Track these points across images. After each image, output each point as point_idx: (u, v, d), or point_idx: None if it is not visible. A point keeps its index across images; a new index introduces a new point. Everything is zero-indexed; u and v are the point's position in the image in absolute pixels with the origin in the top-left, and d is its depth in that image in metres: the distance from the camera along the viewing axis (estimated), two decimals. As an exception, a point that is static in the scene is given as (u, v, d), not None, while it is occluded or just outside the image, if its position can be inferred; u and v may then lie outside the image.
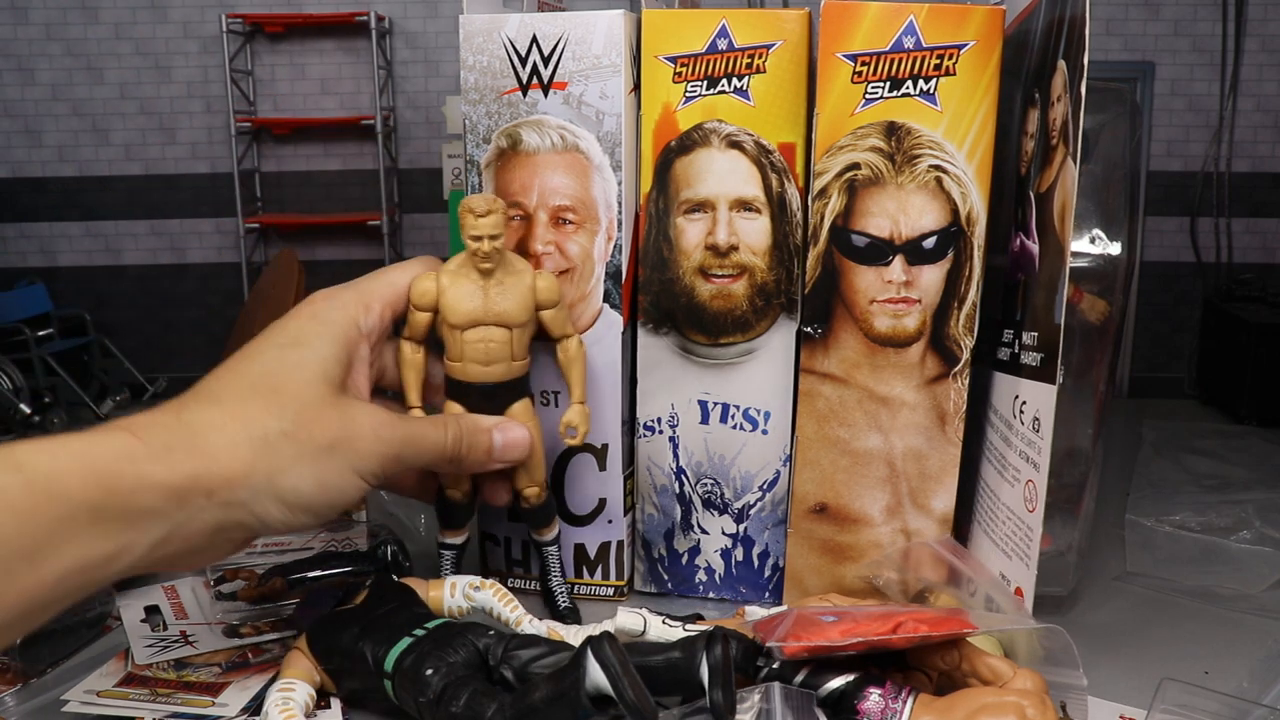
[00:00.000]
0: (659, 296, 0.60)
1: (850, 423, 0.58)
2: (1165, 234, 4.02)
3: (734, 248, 0.58)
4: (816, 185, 0.56)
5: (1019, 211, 0.56)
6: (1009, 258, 0.57)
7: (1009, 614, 0.52)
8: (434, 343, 0.56)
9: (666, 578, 0.64)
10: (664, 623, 0.50)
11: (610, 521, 0.63)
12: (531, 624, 0.52)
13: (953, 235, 0.55)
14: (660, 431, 0.62)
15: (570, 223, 0.59)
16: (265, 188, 4.31)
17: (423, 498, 0.58)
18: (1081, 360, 0.57)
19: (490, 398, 0.55)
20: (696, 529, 0.63)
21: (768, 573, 0.63)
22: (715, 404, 0.61)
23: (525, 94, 0.58)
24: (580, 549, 0.64)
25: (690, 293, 0.59)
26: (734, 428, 0.61)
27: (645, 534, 0.64)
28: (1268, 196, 3.99)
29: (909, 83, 0.54)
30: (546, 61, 0.58)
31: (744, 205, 0.58)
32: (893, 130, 0.55)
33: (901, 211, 0.55)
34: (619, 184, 0.58)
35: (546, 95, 0.58)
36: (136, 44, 4.16)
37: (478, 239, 0.52)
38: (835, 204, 0.56)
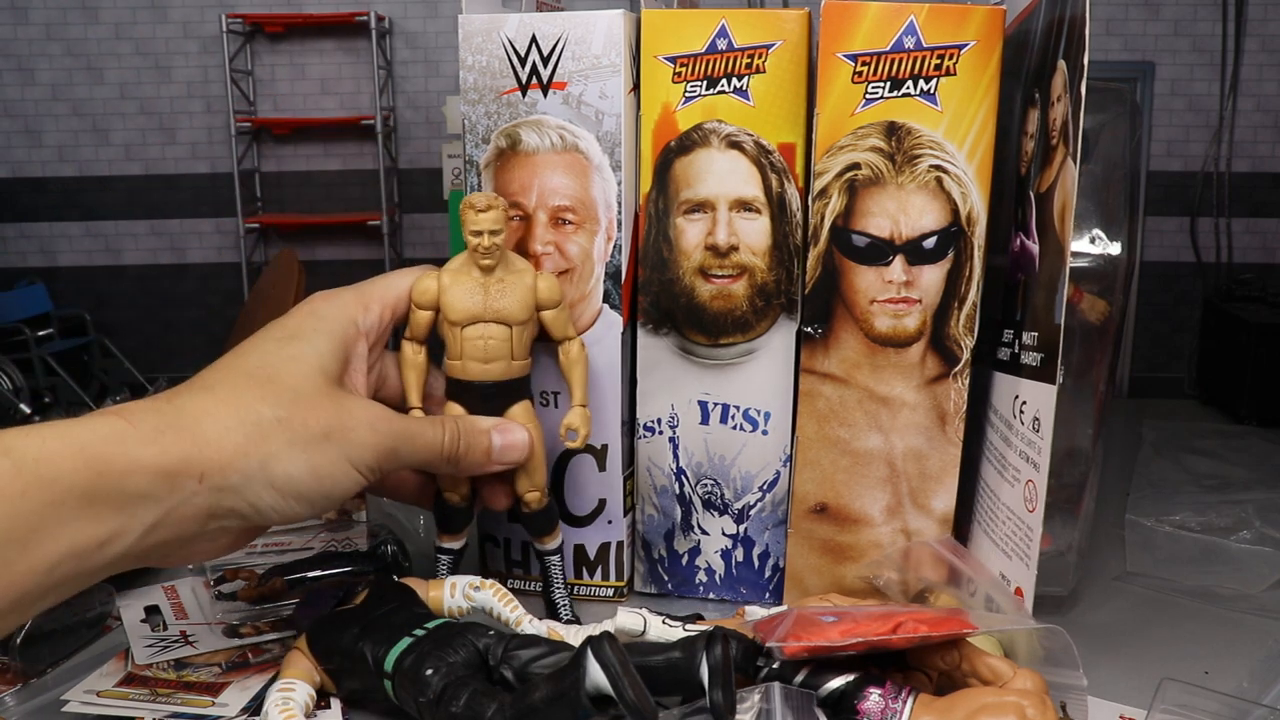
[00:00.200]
0: (659, 297, 0.60)
1: (850, 423, 0.58)
2: (1165, 234, 4.02)
3: (734, 248, 0.58)
4: (817, 185, 0.56)
5: (1019, 211, 0.56)
6: (1009, 258, 0.57)
7: (1009, 614, 0.52)
8: (435, 350, 0.56)
9: (666, 578, 0.64)
10: (664, 623, 0.50)
11: (610, 522, 0.63)
12: (531, 624, 0.52)
13: (953, 235, 0.55)
14: (660, 432, 0.62)
15: (570, 223, 0.59)
16: (265, 188, 4.31)
17: (421, 502, 0.58)
18: (1081, 360, 0.57)
19: (489, 398, 0.55)
20: (697, 529, 0.63)
21: (768, 573, 0.63)
22: (715, 404, 0.61)
23: (524, 94, 0.58)
24: (580, 550, 0.64)
25: (690, 293, 0.59)
26: (734, 428, 0.61)
27: (645, 535, 0.64)
28: (1268, 196, 3.99)
29: (909, 83, 0.54)
30: (546, 61, 0.58)
31: (744, 205, 0.58)
32: (893, 130, 0.55)
33: (902, 211, 0.55)
34: (618, 184, 0.58)
35: (546, 95, 0.58)
36: (136, 44, 4.16)
37: (478, 234, 0.52)
38: (835, 204, 0.56)
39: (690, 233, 0.59)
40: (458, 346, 0.54)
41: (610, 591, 0.64)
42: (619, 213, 0.59)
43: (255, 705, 0.50)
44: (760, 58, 0.56)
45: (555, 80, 0.58)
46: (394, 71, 4.20)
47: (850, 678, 0.45)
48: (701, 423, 0.61)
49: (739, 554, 0.63)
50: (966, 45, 0.53)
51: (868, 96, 0.54)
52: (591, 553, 0.64)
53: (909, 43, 0.54)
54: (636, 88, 0.58)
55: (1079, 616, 0.62)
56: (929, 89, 0.54)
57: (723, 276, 0.59)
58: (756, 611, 0.55)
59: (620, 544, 0.63)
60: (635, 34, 0.58)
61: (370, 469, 0.47)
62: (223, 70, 4.10)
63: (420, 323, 0.55)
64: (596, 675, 0.40)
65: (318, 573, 0.61)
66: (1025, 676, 0.44)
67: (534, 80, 0.58)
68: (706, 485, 0.62)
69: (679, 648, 0.43)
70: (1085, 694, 0.47)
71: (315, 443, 0.45)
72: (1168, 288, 4.04)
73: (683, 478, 0.62)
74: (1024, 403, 0.53)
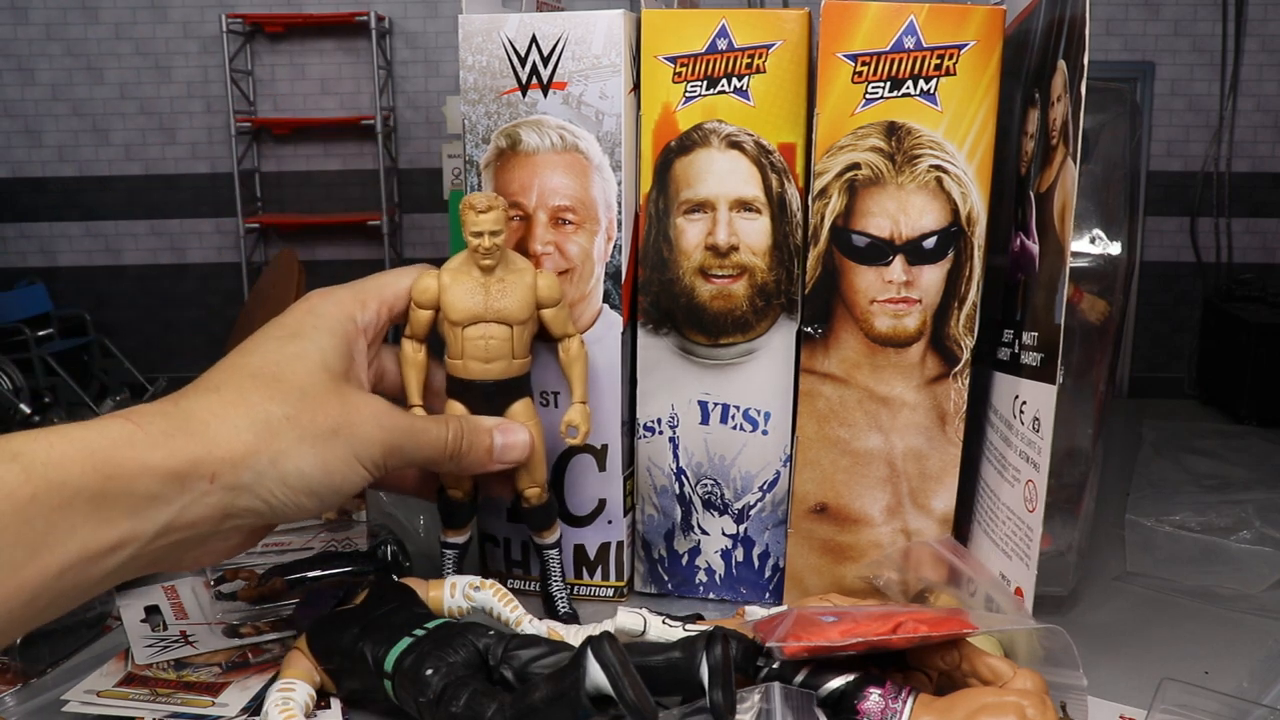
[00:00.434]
0: (659, 297, 0.60)
1: (850, 423, 0.58)
2: (1165, 234, 4.02)
3: (734, 248, 0.58)
4: (817, 185, 0.56)
5: (1019, 211, 0.56)
6: (1009, 258, 0.57)
7: (1009, 614, 0.52)
8: (434, 346, 0.56)
9: (666, 578, 0.64)
10: (664, 623, 0.50)
11: (610, 522, 0.63)
12: (531, 624, 0.52)
13: (953, 235, 0.55)
14: (660, 432, 0.62)
15: (570, 223, 0.59)
16: (265, 188, 4.31)
17: (424, 495, 0.58)
18: (1081, 360, 0.57)
19: (490, 396, 0.55)
20: (697, 529, 0.63)
21: (768, 573, 0.63)
22: (715, 404, 0.61)
23: (524, 94, 0.58)
24: (580, 550, 0.64)
25: (690, 293, 0.59)
26: (734, 428, 0.61)
27: (645, 535, 0.64)
28: (1268, 196, 3.99)
29: (909, 83, 0.54)
30: (546, 61, 0.58)
31: (744, 205, 0.58)
32: (893, 130, 0.55)
33: (902, 211, 0.55)
34: (619, 184, 0.58)
35: (546, 95, 0.58)
36: (136, 44, 4.16)
37: (478, 235, 0.52)
38: (835, 204, 0.56)
39: (690, 233, 0.59)
40: (459, 346, 0.54)
41: (610, 591, 0.64)
42: (619, 213, 0.59)
43: (255, 705, 0.50)
44: (760, 58, 0.56)
45: (555, 80, 0.58)
46: (394, 71, 4.20)
47: (850, 678, 0.45)
48: (701, 423, 0.61)
49: (739, 554, 0.63)
50: (966, 45, 0.53)
51: (868, 96, 0.54)
52: (591, 553, 0.64)
53: (909, 43, 0.54)
54: (637, 88, 0.58)
55: (1079, 616, 0.62)
56: (929, 89, 0.54)
57: (723, 276, 0.59)
58: (756, 611, 0.55)
59: (620, 544, 0.63)
60: (635, 34, 0.58)
61: (377, 465, 0.48)
62: (223, 70, 4.10)
63: (420, 322, 0.55)
64: (596, 675, 0.40)
65: (318, 573, 0.61)
66: (1025, 676, 0.44)
67: (534, 80, 0.58)
68: (706, 485, 0.62)
69: (679, 648, 0.43)
70: (1085, 694, 0.47)
71: (324, 439, 0.45)
72: (1168, 288, 4.04)
73: (683, 478, 0.62)
74: (1024, 403, 0.53)
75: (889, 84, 0.54)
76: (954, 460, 0.58)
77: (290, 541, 0.68)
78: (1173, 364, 4.02)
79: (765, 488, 0.61)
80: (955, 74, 0.54)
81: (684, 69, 0.57)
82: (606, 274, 0.59)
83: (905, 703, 0.43)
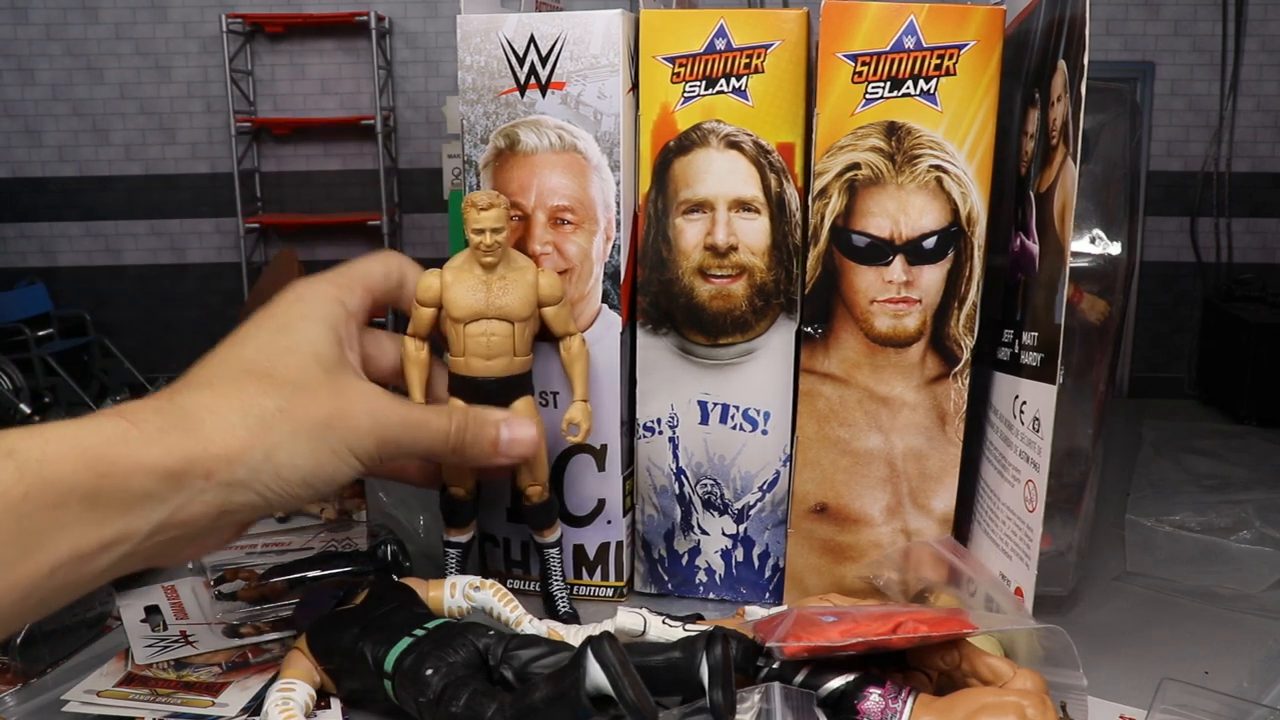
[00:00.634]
0: (658, 297, 0.60)
1: (850, 423, 0.58)
2: (1165, 234, 4.02)
3: (733, 248, 0.58)
4: (817, 185, 0.56)
5: (1019, 211, 0.56)
6: (1009, 258, 0.57)
7: (1009, 614, 0.52)
8: (435, 347, 0.56)
9: (666, 578, 0.64)
10: (664, 623, 0.50)
11: (609, 522, 0.63)
12: (531, 624, 0.52)
13: (953, 235, 0.55)
14: (660, 432, 0.62)
15: (568, 223, 0.59)
16: (265, 188, 4.31)
17: (428, 484, 0.58)
18: (1081, 360, 0.57)
19: (492, 394, 0.55)
20: (696, 530, 0.63)
21: (768, 573, 0.63)
22: (715, 404, 0.61)
23: (523, 94, 0.58)
24: (580, 550, 0.64)
25: (689, 293, 0.59)
26: (734, 428, 0.61)
27: (645, 535, 0.64)
28: (1268, 196, 3.98)
29: (909, 83, 0.54)
30: (544, 61, 0.58)
31: (743, 205, 0.58)
32: (893, 130, 0.55)
33: (902, 211, 0.55)
34: (617, 184, 0.58)
35: (544, 95, 0.58)
36: (136, 44, 4.16)
37: (480, 232, 0.53)
38: (835, 204, 0.56)
39: (689, 233, 0.59)
40: (460, 343, 0.54)
41: (610, 591, 0.64)
42: (618, 213, 0.59)
43: (255, 705, 0.50)
44: (759, 58, 0.56)
45: (554, 80, 0.58)
46: (394, 71, 4.20)
47: (850, 678, 0.45)
48: (701, 423, 0.61)
49: (739, 554, 0.63)
50: (966, 45, 0.53)
51: (868, 96, 0.54)
52: (591, 553, 0.64)
53: (909, 43, 0.54)
54: (635, 88, 0.58)
55: (1079, 616, 0.62)
56: (929, 89, 0.54)
57: (722, 276, 0.59)
58: (756, 611, 0.55)
59: (620, 544, 0.63)
60: (634, 34, 0.58)
61: (371, 457, 0.47)
62: (223, 70, 4.09)
63: (423, 320, 0.55)
64: (596, 675, 0.40)
65: (318, 573, 0.61)
66: (1025, 676, 0.44)
67: (532, 80, 0.58)
68: (706, 485, 0.62)
69: (679, 648, 0.43)
70: (1085, 694, 0.47)
71: (317, 431, 0.45)
72: (1168, 288, 4.04)
73: (682, 478, 0.62)
74: (1024, 403, 0.53)
75: (889, 84, 0.54)
76: (954, 460, 0.58)
77: (290, 541, 0.68)
78: (1173, 364, 4.02)
79: (765, 488, 0.61)
80: (955, 74, 0.54)
81: (682, 69, 0.57)
82: (605, 274, 0.59)
83: (905, 703, 0.43)
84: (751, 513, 0.62)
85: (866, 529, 0.59)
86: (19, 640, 0.53)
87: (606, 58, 0.57)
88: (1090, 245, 0.56)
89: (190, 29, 4.15)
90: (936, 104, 0.54)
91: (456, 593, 0.53)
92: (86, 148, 4.23)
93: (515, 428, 0.54)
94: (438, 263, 0.55)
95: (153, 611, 0.59)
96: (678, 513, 0.63)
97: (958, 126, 0.54)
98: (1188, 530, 0.72)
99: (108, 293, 4.30)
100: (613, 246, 0.59)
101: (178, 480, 0.40)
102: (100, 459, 0.38)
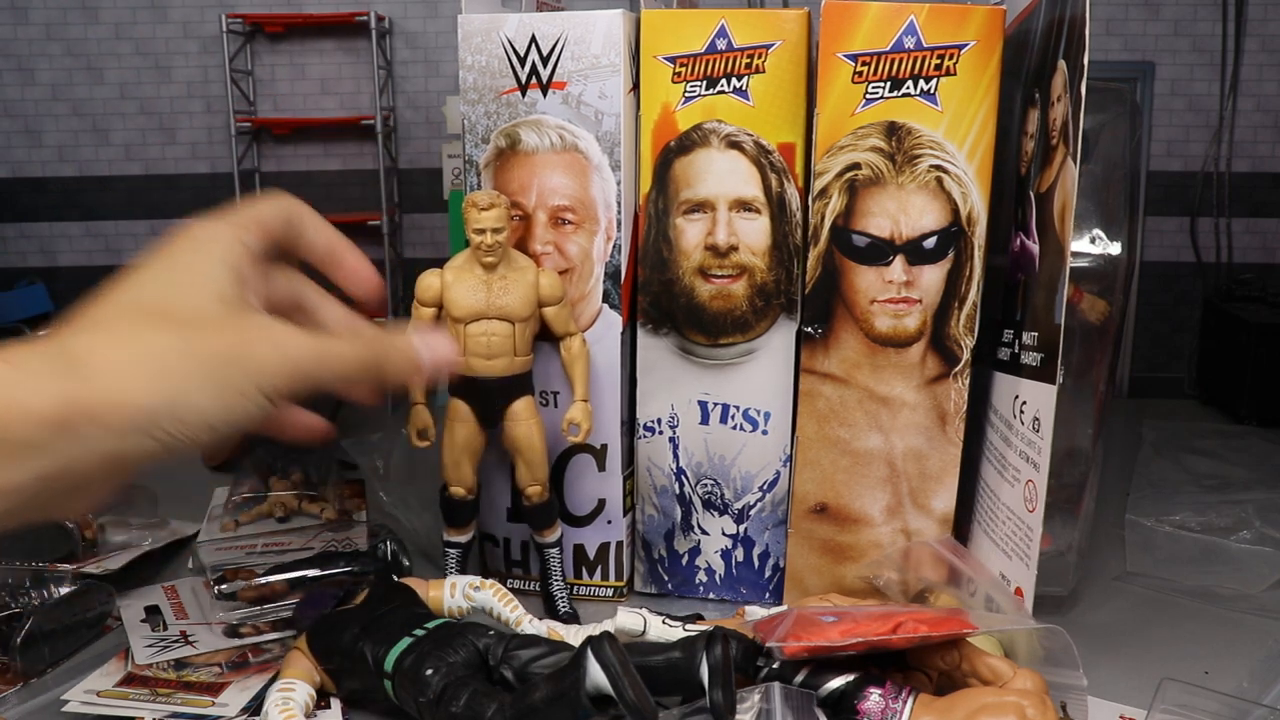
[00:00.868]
0: (658, 297, 0.60)
1: (850, 423, 0.58)
2: (1165, 234, 4.02)
3: (734, 248, 0.58)
4: (817, 185, 0.56)
5: (1019, 211, 0.56)
6: (1009, 258, 0.57)
7: (1009, 614, 0.52)
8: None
9: (667, 578, 0.64)
10: (664, 623, 0.50)
11: (610, 522, 0.63)
12: (531, 624, 0.52)
13: (953, 235, 0.55)
14: (660, 432, 0.62)
15: (569, 223, 0.59)
16: (265, 188, 4.31)
17: (371, 401, 0.55)
18: (1081, 360, 0.57)
19: (492, 393, 0.55)
20: (697, 529, 0.63)
21: (768, 573, 0.63)
22: (715, 404, 0.61)
23: (524, 94, 0.58)
24: (580, 549, 0.64)
25: (690, 293, 0.59)
26: (734, 428, 0.61)
27: (645, 535, 0.64)
28: (1268, 196, 3.98)
29: (909, 83, 0.54)
30: (545, 61, 0.58)
31: (743, 205, 0.58)
32: (893, 130, 0.55)
33: (902, 211, 0.55)
34: (618, 184, 0.58)
35: (545, 95, 0.58)
36: (136, 44, 4.16)
37: (481, 232, 0.53)
38: (836, 204, 0.56)
39: (690, 233, 0.59)
40: (461, 343, 0.55)
41: (610, 591, 0.64)
42: (618, 212, 0.58)
43: (255, 705, 0.50)
44: (760, 58, 0.56)
45: (555, 80, 0.58)
46: (394, 71, 4.20)
47: (850, 678, 0.45)
48: (701, 423, 0.61)
49: (739, 554, 0.63)
50: (966, 45, 0.53)
51: (868, 96, 0.54)
52: (591, 553, 0.64)
53: (909, 43, 0.54)
54: (636, 87, 0.58)
55: (1079, 616, 0.62)
56: (929, 89, 0.54)
57: (722, 276, 0.59)
58: (756, 611, 0.55)
59: (620, 544, 0.63)
60: (635, 34, 0.58)
61: (280, 392, 0.44)
62: (223, 70, 4.09)
63: (423, 320, 0.55)
64: (596, 675, 0.40)
65: (318, 573, 0.61)
66: (1025, 676, 0.44)
67: (533, 80, 0.58)
68: (706, 485, 0.62)
69: (679, 648, 0.43)
70: (1085, 694, 0.47)
71: (219, 370, 0.42)
72: (1168, 288, 4.04)
73: (683, 478, 0.62)
74: (1024, 403, 0.53)
75: (889, 84, 0.54)
76: (954, 460, 0.58)
77: (290, 541, 0.68)
78: (1173, 364, 4.02)
79: (765, 488, 0.61)
80: (955, 74, 0.54)
81: (683, 69, 0.57)
82: (606, 274, 0.59)
83: (905, 703, 0.43)
84: (751, 513, 0.62)
85: (866, 529, 0.59)
86: (19, 640, 0.53)
87: (607, 58, 0.57)
88: (1090, 245, 0.56)
89: (190, 29, 4.15)
90: (937, 104, 0.54)
91: (456, 593, 0.53)
92: (86, 148, 4.23)
93: (429, 337, 0.51)
94: (438, 263, 0.55)
95: (153, 611, 0.59)
96: (678, 513, 0.63)
97: (958, 126, 0.54)
98: (1188, 530, 0.72)
99: (108, 293, 4.29)
100: (613, 246, 0.59)
101: (64, 428, 0.37)
102: None
